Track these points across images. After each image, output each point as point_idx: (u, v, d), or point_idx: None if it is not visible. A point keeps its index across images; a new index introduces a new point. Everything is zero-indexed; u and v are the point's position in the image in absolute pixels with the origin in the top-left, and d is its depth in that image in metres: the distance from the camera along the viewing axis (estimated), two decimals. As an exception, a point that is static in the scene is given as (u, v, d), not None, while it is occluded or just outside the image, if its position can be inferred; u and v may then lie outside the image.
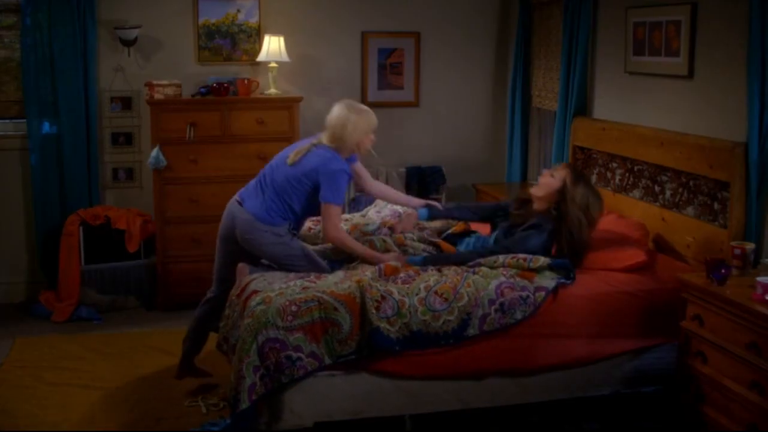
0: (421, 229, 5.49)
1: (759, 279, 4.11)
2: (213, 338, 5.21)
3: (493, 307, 4.47)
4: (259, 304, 4.33)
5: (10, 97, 7.19)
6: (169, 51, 7.32)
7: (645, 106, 5.79)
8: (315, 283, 4.55)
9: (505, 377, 4.60)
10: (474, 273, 4.65)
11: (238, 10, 7.36)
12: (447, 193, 7.73)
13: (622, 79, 6.04)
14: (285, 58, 7.11)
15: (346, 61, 7.70)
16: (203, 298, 5.33)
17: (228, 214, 5.06)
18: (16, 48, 7.07)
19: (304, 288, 4.45)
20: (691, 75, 5.30)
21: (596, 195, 5.07)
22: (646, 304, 4.76)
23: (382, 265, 4.65)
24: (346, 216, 5.79)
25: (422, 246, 5.17)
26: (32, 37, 6.90)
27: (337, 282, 4.54)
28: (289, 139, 6.81)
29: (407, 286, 4.47)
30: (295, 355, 4.24)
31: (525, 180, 7.67)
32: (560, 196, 5.01)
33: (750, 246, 4.51)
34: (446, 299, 4.42)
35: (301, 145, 5.02)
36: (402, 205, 5.67)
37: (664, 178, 5.51)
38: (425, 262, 4.88)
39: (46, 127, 7.04)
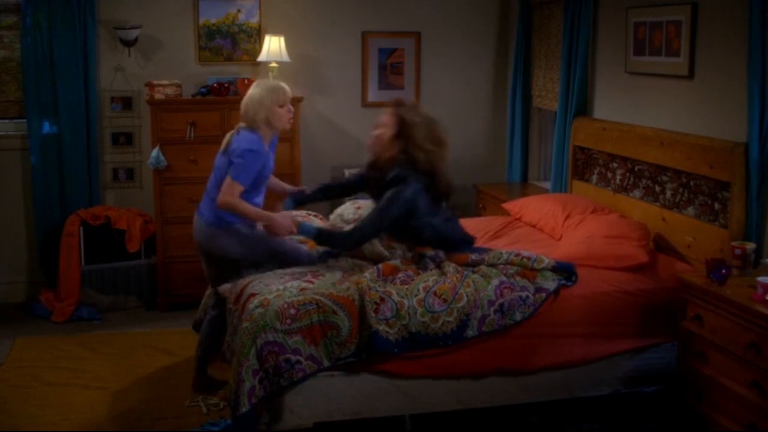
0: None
1: (759, 279, 4.12)
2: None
3: (492, 308, 4.46)
4: (257, 307, 4.32)
5: (10, 97, 7.19)
6: (169, 51, 7.32)
7: (645, 106, 5.79)
8: (313, 283, 4.53)
9: (505, 377, 4.59)
10: (473, 272, 4.65)
11: (239, 10, 7.36)
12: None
13: (623, 79, 6.04)
14: (285, 58, 7.11)
15: (346, 61, 7.69)
16: (208, 313, 5.30)
17: (194, 227, 5.08)
18: (17, 48, 7.07)
19: (302, 289, 4.44)
20: (691, 75, 5.30)
21: (428, 118, 4.83)
22: (646, 303, 4.76)
23: (380, 266, 4.63)
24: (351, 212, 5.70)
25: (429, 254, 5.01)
26: (32, 37, 6.89)
27: (335, 282, 4.53)
28: (289, 138, 6.82)
29: (406, 287, 4.46)
30: (294, 358, 4.24)
31: (526, 180, 7.67)
32: (401, 140, 4.76)
33: (750, 246, 4.51)
34: (445, 300, 4.41)
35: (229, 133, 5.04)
36: (276, 192, 5.38)
37: (665, 178, 5.50)
38: (319, 234, 4.81)
39: (47, 127, 7.04)
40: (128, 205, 7.28)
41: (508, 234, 5.91)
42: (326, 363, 4.30)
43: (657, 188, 5.58)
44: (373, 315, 4.29)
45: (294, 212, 5.31)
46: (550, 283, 4.64)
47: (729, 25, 4.96)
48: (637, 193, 5.81)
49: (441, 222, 4.80)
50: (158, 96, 6.80)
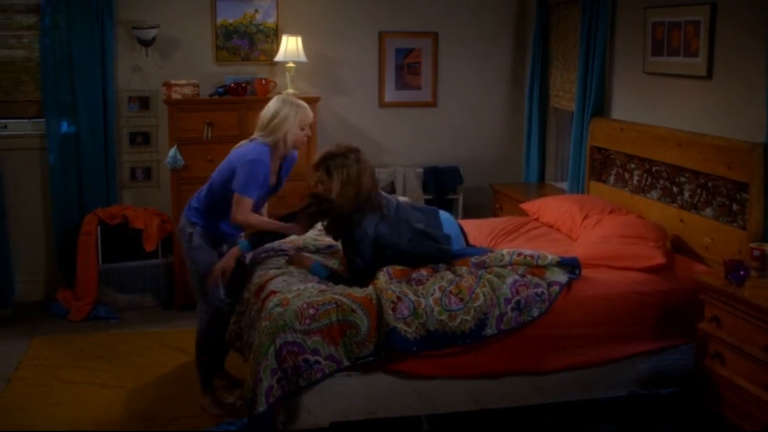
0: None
1: (777, 281, 4.10)
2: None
3: (509, 306, 4.46)
4: (276, 305, 4.33)
5: (28, 96, 7.22)
6: (186, 51, 7.34)
7: (663, 107, 5.77)
8: (332, 286, 4.57)
9: (521, 378, 4.58)
10: (487, 272, 4.65)
11: (256, 10, 7.38)
12: (464, 193, 7.71)
13: (641, 80, 6.02)
14: (302, 58, 7.12)
15: (363, 61, 7.70)
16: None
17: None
18: (35, 48, 7.09)
19: (321, 291, 4.46)
20: (709, 75, 5.27)
21: (349, 171, 4.65)
22: (663, 305, 4.74)
23: (389, 269, 4.63)
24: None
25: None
26: (51, 37, 6.93)
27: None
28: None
29: (421, 287, 4.48)
30: (312, 358, 4.24)
31: (542, 180, 7.65)
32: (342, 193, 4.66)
33: (769, 247, 4.49)
34: (462, 299, 4.41)
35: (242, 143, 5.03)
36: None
37: (683, 179, 5.48)
38: (329, 278, 4.77)
39: (65, 126, 7.07)
40: (145, 205, 7.30)
41: (526, 234, 5.90)
42: (346, 362, 4.30)
43: (675, 189, 5.56)
44: (391, 313, 4.29)
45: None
46: (561, 276, 4.65)
47: (748, 25, 4.94)
48: (654, 194, 5.78)
49: (406, 243, 4.76)
50: (175, 96, 6.82)
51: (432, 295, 4.42)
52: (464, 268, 4.70)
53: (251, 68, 7.43)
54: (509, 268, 4.69)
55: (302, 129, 4.90)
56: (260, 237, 5.05)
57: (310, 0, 7.51)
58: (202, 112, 6.87)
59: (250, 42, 7.41)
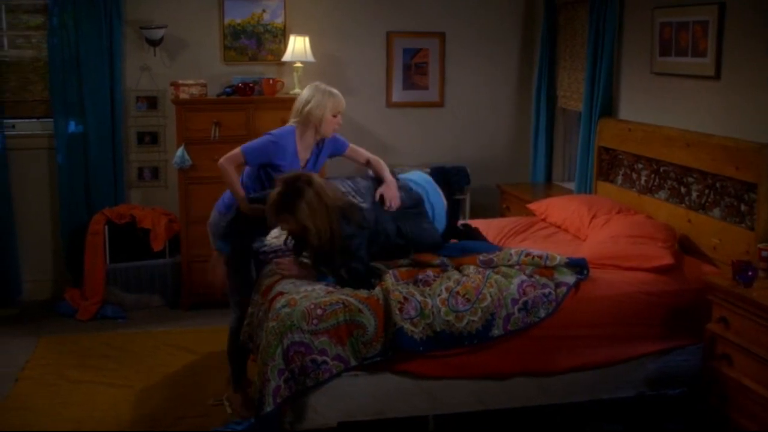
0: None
1: (786, 281, 4.09)
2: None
3: (516, 307, 4.46)
4: (284, 306, 4.33)
5: (36, 96, 7.24)
6: (194, 51, 7.36)
7: (671, 107, 5.76)
8: (339, 288, 4.58)
9: (528, 378, 4.57)
10: (494, 272, 4.65)
11: (264, 10, 7.38)
12: (471, 194, 7.70)
13: (648, 80, 6.01)
14: (310, 58, 7.13)
15: (371, 61, 7.70)
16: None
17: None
18: (43, 48, 7.11)
19: (328, 292, 4.47)
20: (718, 76, 5.26)
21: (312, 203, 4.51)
22: (671, 305, 4.73)
23: (395, 270, 4.65)
24: None
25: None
26: (59, 37, 6.95)
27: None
28: (313, 138, 6.82)
29: (428, 288, 4.48)
30: (320, 358, 4.24)
31: (550, 181, 7.65)
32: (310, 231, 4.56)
33: (777, 248, 4.48)
34: (468, 300, 4.41)
35: None
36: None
37: (690, 180, 5.47)
38: (337, 283, 4.69)
39: (72, 126, 7.09)
40: (153, 204, 7.32)
41: (534, 234, 5.89)
42: (353, 362, 4.30)
43: (682, 190, 5.55)
44: (398, 314, 4.30)
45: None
46: (569, 277, 4.66)
47: (756, 25, 4.92)
48: (662, 194, 5.77)
49: (394, 229, 4.81)
50: (183, 95, 6.83)
51: (439, 295, 4.42)
52: (472, 267, 4.71)
53: (259, 68, 7.44)
54: (517, 267, 4.69)
55: (334, 116, 5.00)
56: (234, 235, 5.02)
57: (317, 0, 7.52)
58: (209, 111, 6.87)
59: (258, 42, 7.41)
